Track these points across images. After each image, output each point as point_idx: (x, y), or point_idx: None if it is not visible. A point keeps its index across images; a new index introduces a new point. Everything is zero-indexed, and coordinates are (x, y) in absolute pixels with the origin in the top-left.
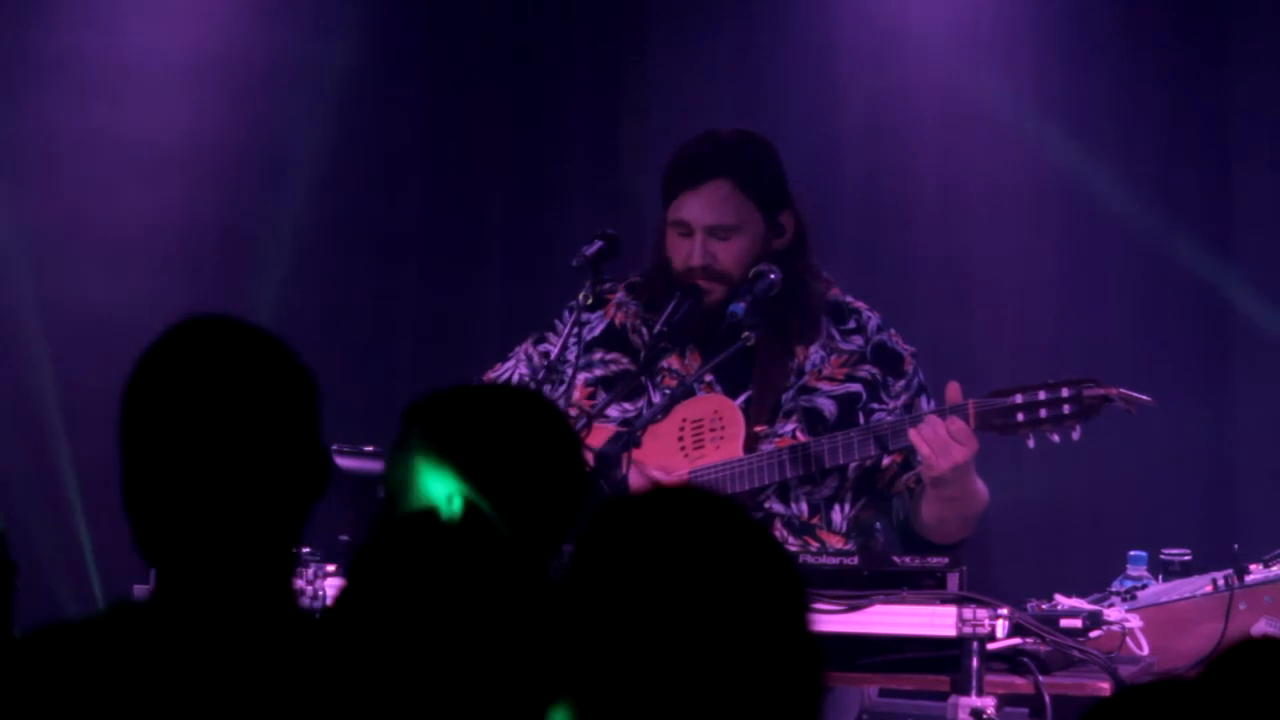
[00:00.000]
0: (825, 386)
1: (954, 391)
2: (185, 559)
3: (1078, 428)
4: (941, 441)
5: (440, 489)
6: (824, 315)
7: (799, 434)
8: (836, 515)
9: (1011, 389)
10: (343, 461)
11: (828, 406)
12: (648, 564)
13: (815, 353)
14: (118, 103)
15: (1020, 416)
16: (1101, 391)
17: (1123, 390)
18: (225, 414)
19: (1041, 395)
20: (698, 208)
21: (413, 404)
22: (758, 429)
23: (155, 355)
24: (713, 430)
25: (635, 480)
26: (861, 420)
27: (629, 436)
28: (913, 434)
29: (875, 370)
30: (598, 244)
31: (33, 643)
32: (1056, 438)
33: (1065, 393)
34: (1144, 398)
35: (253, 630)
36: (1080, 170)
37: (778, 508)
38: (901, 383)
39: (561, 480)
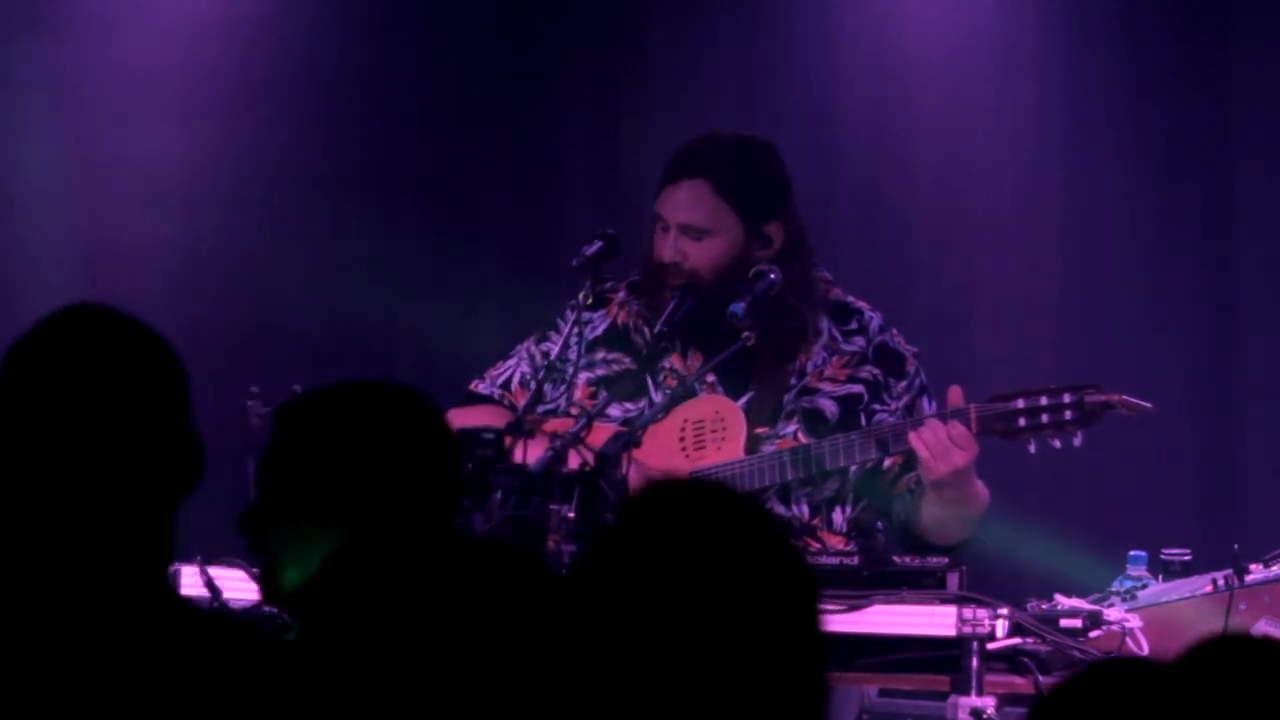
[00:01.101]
0: (827, 387)
1: (955, 395)
2: (36, 551)
3: (1079, 434)
4: (942, 445)
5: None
6: (825, 316)
7: (800, 435)
8: (837, 516)
9: (1013, 393)
10: None
11: (829, 407)
12: (662, 558)
13: (817, 353)
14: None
15: (1022, 421)
16: (1103, 398)
17: (1124, 397)
18: (86, 403)
19: (1043, 401)
20: (674, 204)
21: (283, 405)
22: (759, 430)
23: (23, 345)
24: (714, 431)
25: (635, 480)
26: (863, 421)
27: (629, 436)
28: (912, 437)
29: (877, 371)
30: (598, 244)
31: None
32: (1058, 443)
33: (1067, 398)
34: (1145, 404)
35: (109, 621)
36: (1080, 171)
37: (778, 509)
38: (903, 383)
39: (430, 474)
